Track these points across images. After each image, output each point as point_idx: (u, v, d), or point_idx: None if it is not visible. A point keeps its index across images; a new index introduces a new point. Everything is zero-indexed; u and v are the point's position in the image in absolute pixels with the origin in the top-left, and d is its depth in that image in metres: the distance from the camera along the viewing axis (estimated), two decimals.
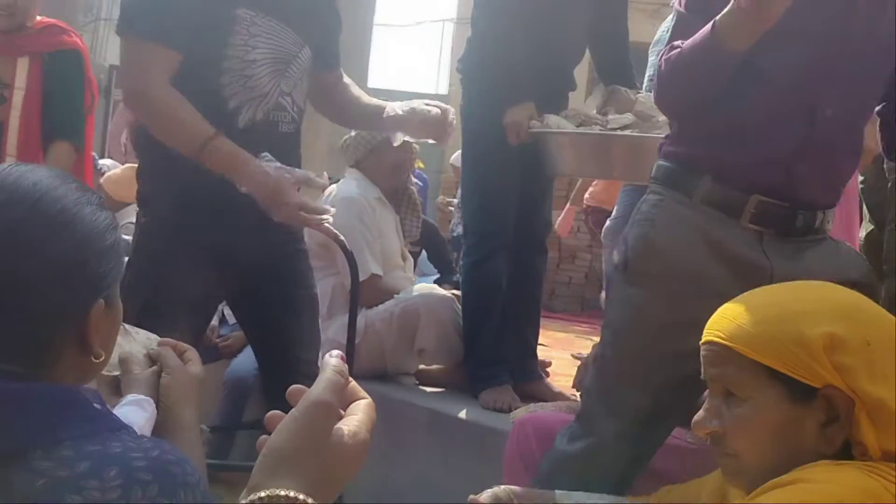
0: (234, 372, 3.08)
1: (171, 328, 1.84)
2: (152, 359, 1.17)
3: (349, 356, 2.50)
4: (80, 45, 2.77)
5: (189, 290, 1.80)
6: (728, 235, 1.49)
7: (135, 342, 1.19)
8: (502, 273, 2.67)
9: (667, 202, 1.54)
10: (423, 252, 5.04)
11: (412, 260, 3.31)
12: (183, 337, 1.90)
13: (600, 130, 2.19)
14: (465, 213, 2.83)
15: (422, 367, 2.95)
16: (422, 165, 8.92)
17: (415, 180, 6.18)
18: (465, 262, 2.78)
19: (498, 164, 2.56)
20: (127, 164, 3.99)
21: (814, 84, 1.47)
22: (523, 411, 2.20)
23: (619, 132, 2.13)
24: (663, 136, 2.12)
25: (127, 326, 1.18)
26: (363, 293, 2.76)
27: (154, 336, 1.23)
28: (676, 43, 1.51)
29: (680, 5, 1.57)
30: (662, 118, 2.17)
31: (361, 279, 2.73)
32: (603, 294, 5.83)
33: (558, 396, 2.61)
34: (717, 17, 1.41)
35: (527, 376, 2.75)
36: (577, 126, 2.25)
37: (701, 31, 1.44)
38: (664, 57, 1.52)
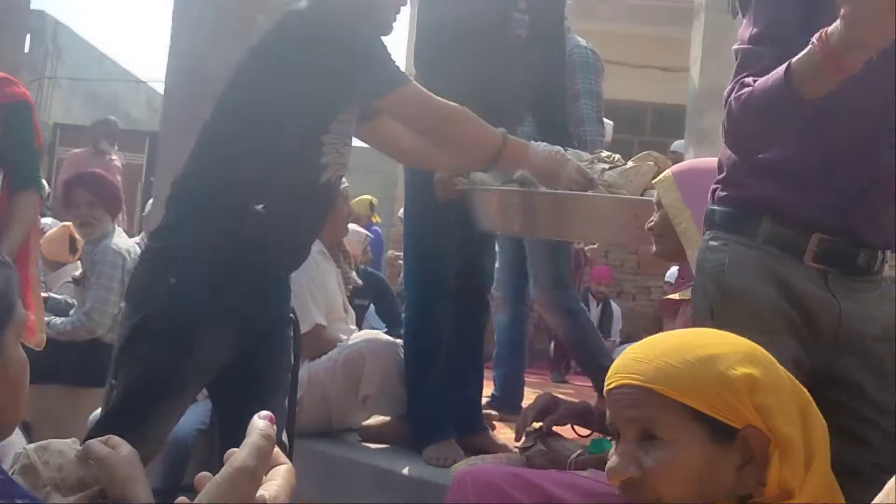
0: (174, 432, 2.99)
1: (184, 392, 1.86)
2: (85, 482, 0.99)
3: (291, 409, 2.46)
4: (29, 97, 2.79)
5: (212, 353, 1.82)
6: (794, 273, 1.49)
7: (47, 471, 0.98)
8: (444, 325, 2.66)
9: (731, 245, 1.53)
10: (371, 306, 5.03)
11: (353, 312, 3.30)
12: (188, 399, 1.90)
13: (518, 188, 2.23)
14: (406, 265, 2.83)
15: (365, 423, 2.92)
16: (378, 220, 8.85)
17: (369, 235, 6.19)
18: (406, 314, 2.76)
19: (438, 216, 2.58)
20: (62, 224, 3.93)
21: (878, 127, 1.46)
22: (463, 464, 2.18)
23: (540, 190, 2.17)
24: (581, 193, 2.14)
25: (32, 458, 0.98)
26: (307, 344, 2.73)
27: (66, 449, 1.01)
28: (747, 80, 1.44)
29: (742, 44, 1.50)
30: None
31: (306, 329, 2.72)
32: (552, 345, 5.85)
33: (501, 448, 2.60)
34: (793, 62, 1.33)
35: (471, 429, 2.73)
36: (502, 184, 2.29)
37: (773, 74, 1.37)
38: (734, 95, 1.46)
